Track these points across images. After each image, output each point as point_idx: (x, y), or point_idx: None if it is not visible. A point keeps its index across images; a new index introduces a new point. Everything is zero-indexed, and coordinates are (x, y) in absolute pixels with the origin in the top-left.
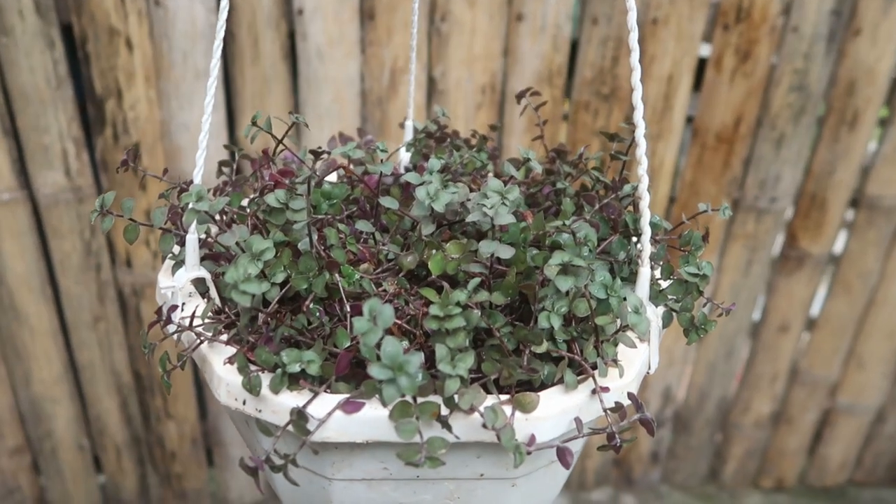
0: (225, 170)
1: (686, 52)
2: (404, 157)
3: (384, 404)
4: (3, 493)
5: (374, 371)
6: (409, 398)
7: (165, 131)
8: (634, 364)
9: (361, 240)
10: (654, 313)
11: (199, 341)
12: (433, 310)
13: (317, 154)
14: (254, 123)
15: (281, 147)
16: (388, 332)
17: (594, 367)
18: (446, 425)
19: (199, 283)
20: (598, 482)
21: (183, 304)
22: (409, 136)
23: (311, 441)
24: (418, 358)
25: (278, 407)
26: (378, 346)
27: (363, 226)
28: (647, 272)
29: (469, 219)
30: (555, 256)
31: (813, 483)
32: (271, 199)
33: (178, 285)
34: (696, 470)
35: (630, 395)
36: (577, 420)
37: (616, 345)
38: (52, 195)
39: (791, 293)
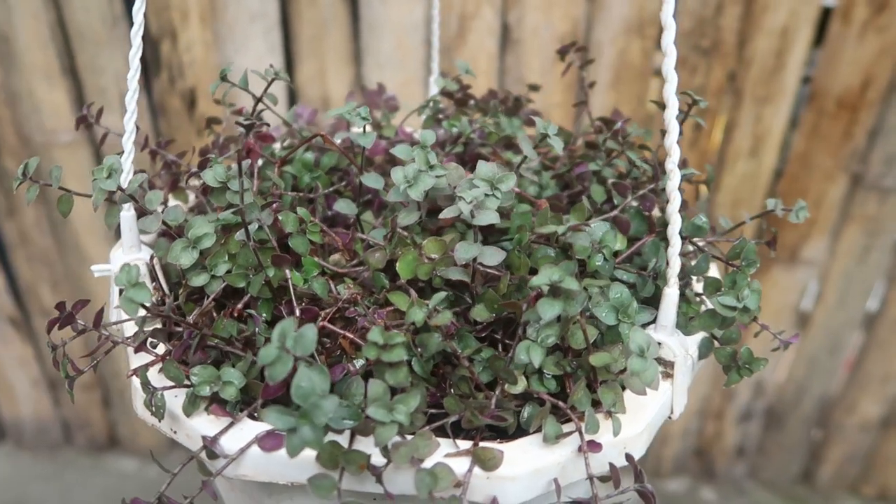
0: (216, 127)
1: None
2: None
3: (289, 454)
4: (77, 425)
5: (270, 417)
6: (340, 441)
7: None
8: (646, 412)
9: (350, 222)
10: (681, 344)
11: (106, 344)
12: (372, 335)
13: (249, 127)
14: (223, 78)
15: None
16: (316, 355)
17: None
18: (380, 480)
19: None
20: (675, 471)
21: (121, 290)
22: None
23: (227, 477)
24: (332, 402)
25: (192, 431)
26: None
27: (344, 206)
28: (673, 294)
29: (443, 215)
30: (540, 273)
31: None
32: (209, 176)
33: (114, 269)
34: (788, 469)
35: (628, 458)
36: (557, 483)
37: (622, 387)
38: (111, 138)
39: None
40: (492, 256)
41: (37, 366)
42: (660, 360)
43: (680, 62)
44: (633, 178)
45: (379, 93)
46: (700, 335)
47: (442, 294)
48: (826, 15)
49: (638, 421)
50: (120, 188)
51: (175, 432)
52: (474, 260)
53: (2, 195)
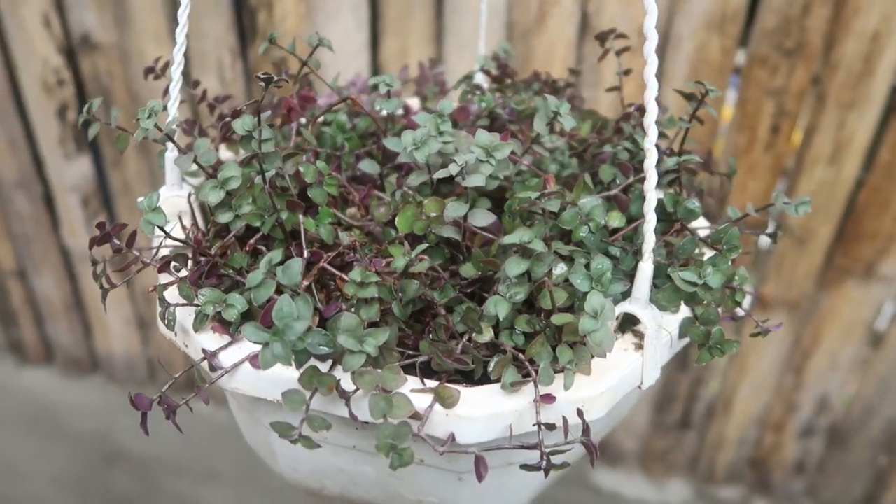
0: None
1: None
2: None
3: (262, 366)
4: (167, 362)
5: (248, 331)
6: (321, 367)
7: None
8: (609, 376)
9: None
10: (654, 318)
11: (138, 263)
12: (353, 274)
13: (267, 81)
14: (271, 42)
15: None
16: (304, 289)
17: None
18: (348, 403)
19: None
20: (729, 478)
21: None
22: (479, 76)
23: (227, 390)
24: (303, 324)
25: (198, 346)
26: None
27: (368, 166)
28: (647, 269)
29: (436, 175)
30: (513, 233)
31: None
32: (237, 124)
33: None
34: (849, 490)
35: (578, 413)
36: (511, 429)
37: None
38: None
39: None
40: (481, 218)
41: (130, 306)
42: (635, 333)
43: (761, 62)
44: (635, 161)
45: (430, 68)
46: (682, 315)
47: (423, 245)
48: None
49: (599, 384)
50: (158, 127)
51: (187, 346)
52: (465, 220)
53: (110, 146)
